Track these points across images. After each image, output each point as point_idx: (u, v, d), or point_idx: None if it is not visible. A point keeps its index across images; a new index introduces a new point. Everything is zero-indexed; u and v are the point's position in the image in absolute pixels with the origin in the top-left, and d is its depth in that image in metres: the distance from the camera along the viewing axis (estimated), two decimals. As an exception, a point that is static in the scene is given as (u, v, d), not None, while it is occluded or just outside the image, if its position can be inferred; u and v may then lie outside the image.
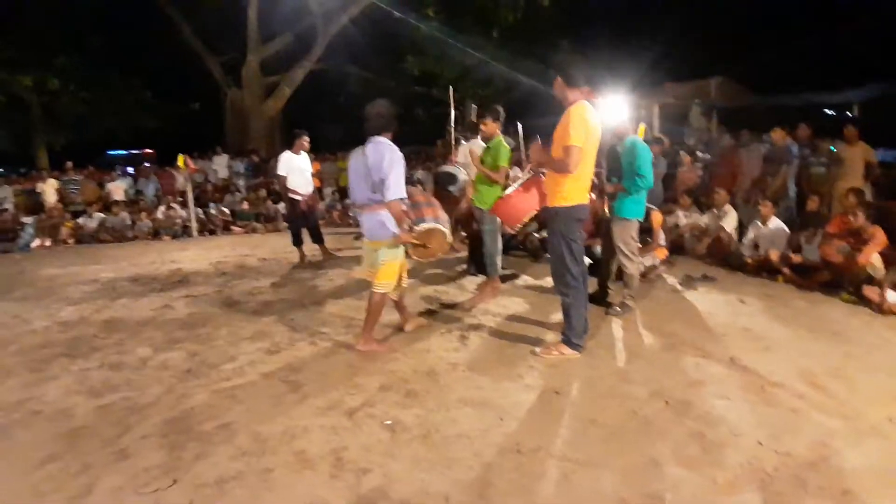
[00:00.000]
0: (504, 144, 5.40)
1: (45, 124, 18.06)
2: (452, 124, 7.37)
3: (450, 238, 4.18)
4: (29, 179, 13.19)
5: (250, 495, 2.57)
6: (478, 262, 6.04)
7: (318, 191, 12.63)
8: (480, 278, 6.12)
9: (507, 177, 5.39)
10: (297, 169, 7.54)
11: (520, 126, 5.59)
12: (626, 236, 4.98)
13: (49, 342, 4.80)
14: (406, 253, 4.25)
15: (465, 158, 6.29)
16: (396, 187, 3.90)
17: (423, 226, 4.08)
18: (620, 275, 5.16)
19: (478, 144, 5.99)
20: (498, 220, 5.33)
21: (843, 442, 2.88)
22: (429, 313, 5.21)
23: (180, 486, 2.64)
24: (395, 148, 4.03)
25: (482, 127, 5.52)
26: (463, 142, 7.33)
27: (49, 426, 3.29)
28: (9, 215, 11.31)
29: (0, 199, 12.26)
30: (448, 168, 5.39)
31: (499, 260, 5.63)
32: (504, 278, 6.01)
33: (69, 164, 12.98)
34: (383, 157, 3.91)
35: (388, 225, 4.03)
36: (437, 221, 4.16)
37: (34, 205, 12.09)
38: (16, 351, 4.62)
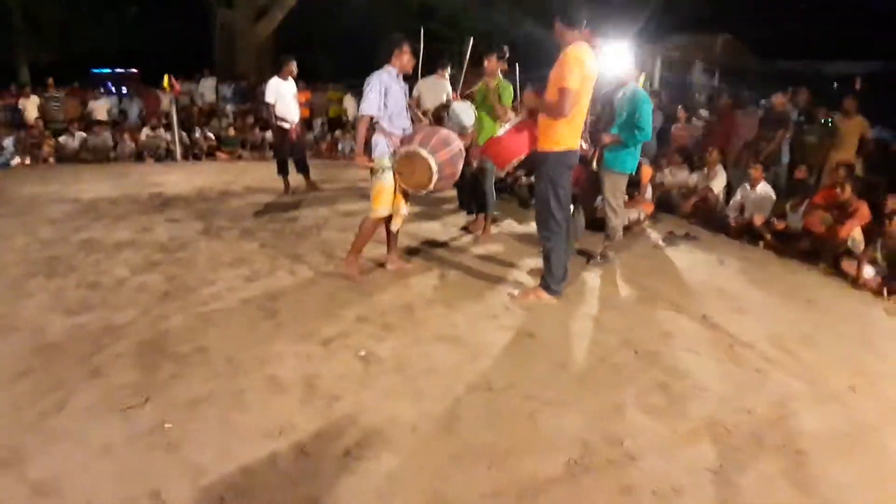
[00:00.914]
0: (507, 85, 5.38)
1: (27, 39, 17.33)
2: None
3: (434, 168, 4.05)
4: (10, 95, 12.72)
5: (221, 416, 2.62)
6: (476, 201, 5.98)
7: (308, 122, 12.39)
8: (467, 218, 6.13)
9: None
10: (285, 95, 7.36)
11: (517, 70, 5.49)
12: (615, 190, 4.92)
13: (27, 260, 4.76)
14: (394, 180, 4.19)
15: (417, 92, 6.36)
16: (363, 106, 4.06)
17: (405, 149, 4.01)
18: (602, 225, 5.16)
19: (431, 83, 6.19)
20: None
21: (803, 405, 2.95)
22: (410, 251, 5.21)
23: (153, 405, 2.68)
24: (379, 74, 4.10)
25: (486, 63, 5.39)
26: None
27: (24, 342, 3.30)
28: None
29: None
30: (460, 104, 5.23)
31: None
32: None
33: (50, 80, 12.52)
34: (368, 82, 4.07)
35: (372, 148, 4.17)
36: (423, 147, 4.00)
37: (15, 122, 11.72)
38: (-7, 266, 4.57)
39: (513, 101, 5.45)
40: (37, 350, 3.20)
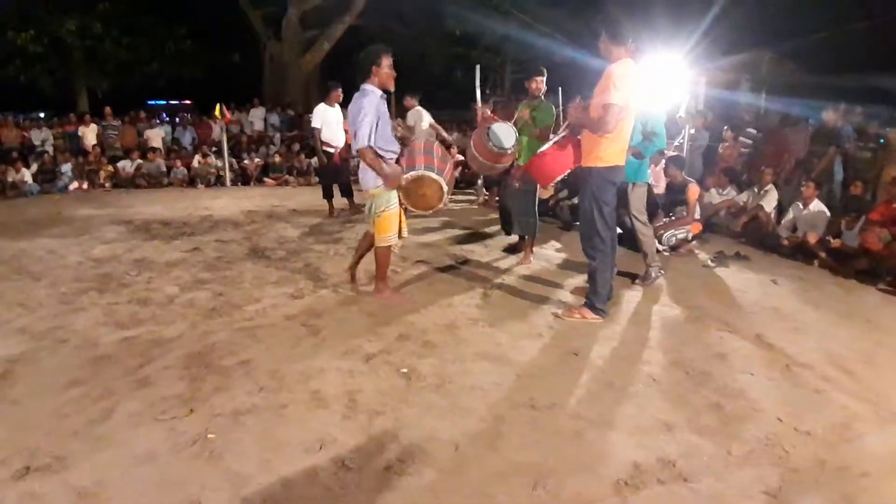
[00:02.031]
0: (548, 106, 5.25)
1: (86, 70, 18.28)
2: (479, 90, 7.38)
3: (444, 187, 4.02)
4: (70, 123, 13.40)
5: (263, 428, 2.62)
6: (519, 224, 5.87)
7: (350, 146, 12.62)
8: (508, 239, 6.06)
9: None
10: (330, 121, 7.51)
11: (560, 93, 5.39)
12: (640, 203, 4.79)
13: (81, 277, 4.93)
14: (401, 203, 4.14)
15: (413, 122, 6.58)
16: (363, 136, 3.79)
17: (412, 174, 3.97)
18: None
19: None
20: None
21: (866, 426, 2.79)
22: (453, 269, 5.19)
23: (197, 416, 2.71)
24: (375, 97, 3.88)
25: (528, 85, 5.34)
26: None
27: (75, 354, 3.40)
28: (49, 157, 11.56)
29: (41, 141, 12.51)
30: (501, 125, 5.21)
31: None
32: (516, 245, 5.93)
33: (108, 109, 13.14)
34: (360, 109, 3.81)
35: (363, 179, 4.03)
36: (429, 169, 3.98)
37: (74, 148, 12.31)
38: (49, 283, 4.75)
39: (553, 122, 5.31)
40: (87, 361, 3.29)
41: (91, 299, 4.36)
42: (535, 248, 5.76)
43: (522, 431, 2.65)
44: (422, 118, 7.77)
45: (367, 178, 3.99)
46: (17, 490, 2.22)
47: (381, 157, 3.89)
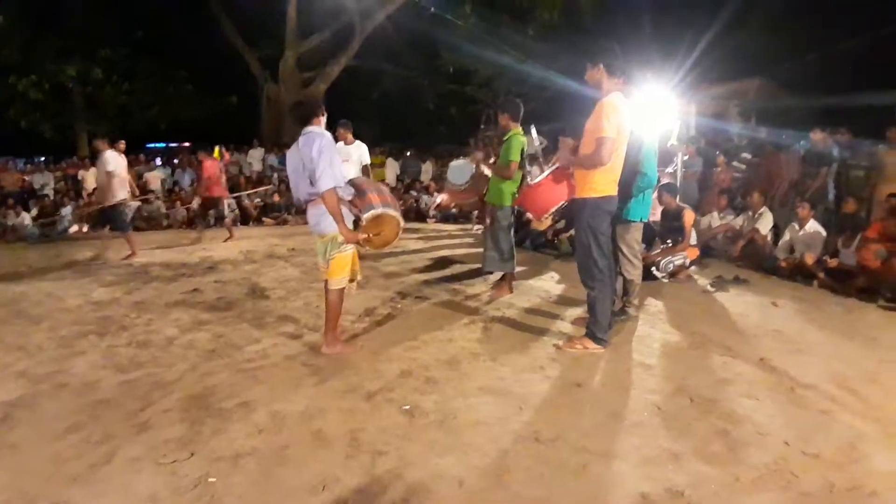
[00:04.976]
0: (517, 139, 5.09)
1: (87, 114, 18.56)
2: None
3: (402, 223, 3.99)
4: (70, 167, 13.56)
5: (264, 470, 2.58)
6: (483, 257, 5.75)
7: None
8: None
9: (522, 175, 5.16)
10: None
11: (534, 130, 5.26)
12: (629, 239, 4.63)
13: (80, 320, 4.91)
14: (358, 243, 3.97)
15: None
16: (327, 177, 3.61)
17: (372, 213, 3.84)
18: (650, 274, 4.98)
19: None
20: (511, 215, 5.25)
21: (873, 446, 2.78)
22: (453, 304, 5.19)
23: (197, 459, 2.67)
24: (327, 135, 3.78)
25: (501, 122, 5.34)
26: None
27: (74, 398, 3.36)
28: (49, 201, 11.64)
29: (41, 185, 12.63)
30: (457, 162, 5.31)
31: (511, 255, 5.40)
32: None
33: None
34: (312, 148, 3.65)
35: (316, 222, 3.84)
36: (386, 206, 3.90)
37: (74, 191, 12.41)
38: (48, 327, 4.73)
39: (516, 158, 5.06)
40: (87, 405, 3.25)
41: (91, 342, 4.34)
42: (534, 279, 5.75)
43: (528, 465, 2.62)
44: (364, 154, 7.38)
45: (326, 223, 3.76)
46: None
47: (344, 199, 3.78)
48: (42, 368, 3.83)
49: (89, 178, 12.59)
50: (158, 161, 15.56)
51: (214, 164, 9.81)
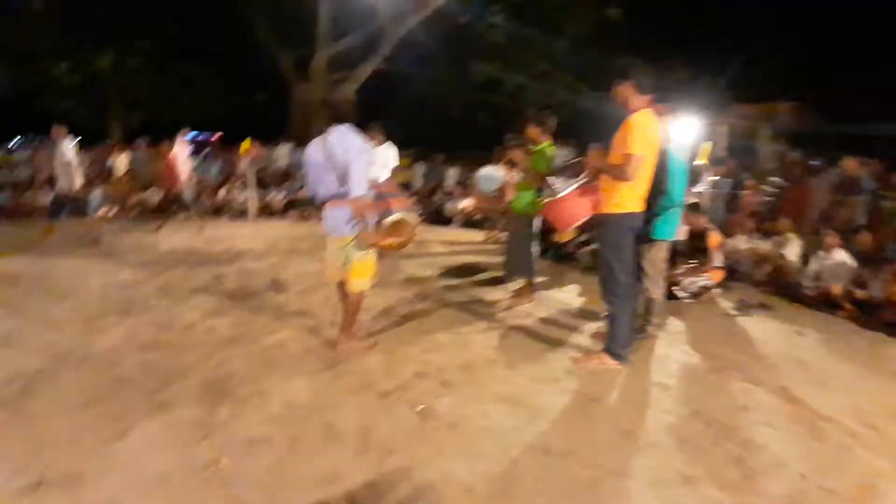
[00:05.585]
0: (546, 151, 5.12)
1: (120, 103, 18.92)
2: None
3: (417, 226, 3.97)
4: (103, 151, 13.80)
5: (275, 458, 2.61)
6: (505, 263, 5.82)
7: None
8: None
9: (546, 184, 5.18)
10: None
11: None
12: (654, 258, 4.55)
13: (105, 299, 5.01)
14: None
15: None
16: (362, 181, 3.61)
17: (392, 218, 3.81)
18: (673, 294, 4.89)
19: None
20: (535, 225, 5.23)
21: (890, 484, 2.72)
22: (472, 310, 5.18)
23: (210, 442, 2.71)
24: (361, 138, 3.76)
25: (528, 131, 5.37)
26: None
27: (95, 373, 3.43)
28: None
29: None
30: (487, 169, 5.34)
31: (534, 265, 5.42)
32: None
33: (139, 140, 13.53)
34: (349, 148, 3.62)
35: (354, 220, 3.76)
36: (406, 210, 3.89)
37: (105, 176, 12.64)
38: (74, 304, 4.83)
39: (548, 169, 5.10)
40: (107, 381, 3.32)
41: (113, 321, 4.41)
42: (554, 290, 5.72)
43: (537, 477, 2.61)
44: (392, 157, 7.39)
45: (349, 226, 3.73)
46: (29, 503, 2.23)
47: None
48: (65, 343, 3.91)
49: (120, 163, 12.83)
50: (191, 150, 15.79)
51: (177, 156, 9.89)
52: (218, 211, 11.70)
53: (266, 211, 12.03)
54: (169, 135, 10.81)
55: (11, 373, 3.37)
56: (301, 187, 12.96)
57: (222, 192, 12.08)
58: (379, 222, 3.82)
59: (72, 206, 8.54)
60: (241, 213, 11.77)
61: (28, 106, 16.53)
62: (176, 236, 8.68)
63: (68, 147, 8.02)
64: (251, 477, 2.45)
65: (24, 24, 15.62)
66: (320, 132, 3.95)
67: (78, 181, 8.14)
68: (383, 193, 3.95)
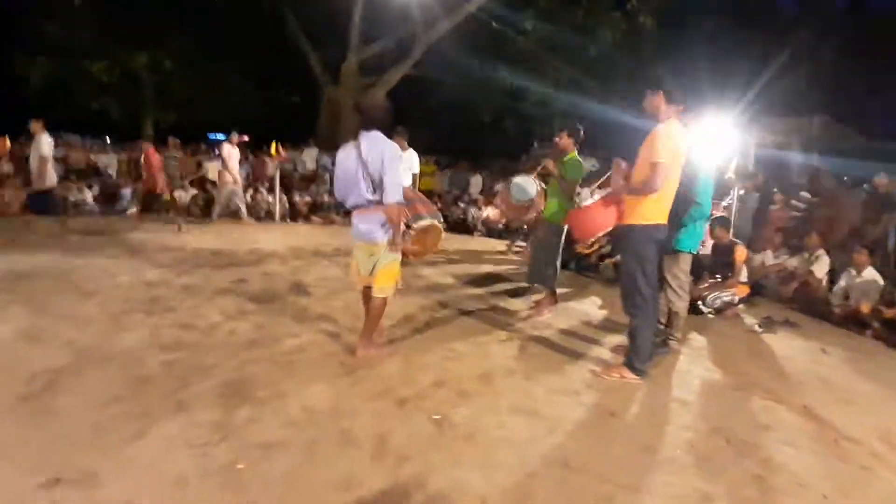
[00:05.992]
0: (578, 160, 5.14)
1: (155, 102, 19.29)
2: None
3: (443, 232, 3.99)
4: (135, 150, 14.10)
5: (292, 462, 2.63)
6: (532, 271, 5.79)
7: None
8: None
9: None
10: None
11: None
12: (677, 270, 4.55)
13: (130, 298, 5.10)
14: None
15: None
16: (397, 189, 3.62)
17: (422, 223, 3.87)
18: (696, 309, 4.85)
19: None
20: (562, 233, 5.21)
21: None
22: (493, 320, 5.18)
23: (228, 444, 2.74)
24: (394, 144, 3.74)
25: (557, 140, 5.37)
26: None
27: (118, 372, 3.49)
28: (112, 181, 12.14)
29: (105, 165, 13.18)
30: (520, 178, 5.33)
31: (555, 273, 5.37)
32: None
33: (171, 140, 13.79)
34: (383, 154, 3.61)
35: (387, 226, 3.76)
36: (433, 216, 3.92)
37: (136, 174, 12.91)
38: (99, 302, 4.93)
39: (580, 178, 5.15)
40: (129, 380, 3.38)
41: (138, 320, 4.50)
42: (575, 302, 5.69)
43: (553, 490, 2.59)
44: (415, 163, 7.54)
45: (381, 233, 3.75)
46: (44, 500, 2.27)
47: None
48: (90, 340, 3.99)
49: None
50: (217, 152, 16.08)
51: (158, 156, 10.02)
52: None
53: (291, 214, 12.17)
54: (195, 136, 10.97)
55: (37, 369, 3.44)
56: (328, 192, 13.11)
57: (249, 194, 12.23)
58: (409, 227, 3.85)
59: (43, 200, 8.63)
60: (267, 215, 11.93)
61: (65, 101, 16.90)
62: (204, 237, 8.81)
63: (46, 142, 8.10)
64: (267, 482, 2.47)
65: (64, 19, 16.02)
66: (348, 136, 3.96)
67: (53, 177, 8.26)
68: (411, 199, 3.97)
